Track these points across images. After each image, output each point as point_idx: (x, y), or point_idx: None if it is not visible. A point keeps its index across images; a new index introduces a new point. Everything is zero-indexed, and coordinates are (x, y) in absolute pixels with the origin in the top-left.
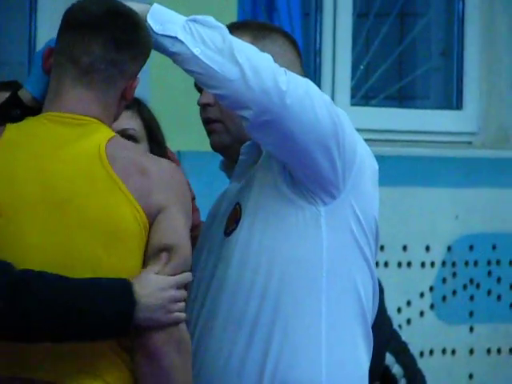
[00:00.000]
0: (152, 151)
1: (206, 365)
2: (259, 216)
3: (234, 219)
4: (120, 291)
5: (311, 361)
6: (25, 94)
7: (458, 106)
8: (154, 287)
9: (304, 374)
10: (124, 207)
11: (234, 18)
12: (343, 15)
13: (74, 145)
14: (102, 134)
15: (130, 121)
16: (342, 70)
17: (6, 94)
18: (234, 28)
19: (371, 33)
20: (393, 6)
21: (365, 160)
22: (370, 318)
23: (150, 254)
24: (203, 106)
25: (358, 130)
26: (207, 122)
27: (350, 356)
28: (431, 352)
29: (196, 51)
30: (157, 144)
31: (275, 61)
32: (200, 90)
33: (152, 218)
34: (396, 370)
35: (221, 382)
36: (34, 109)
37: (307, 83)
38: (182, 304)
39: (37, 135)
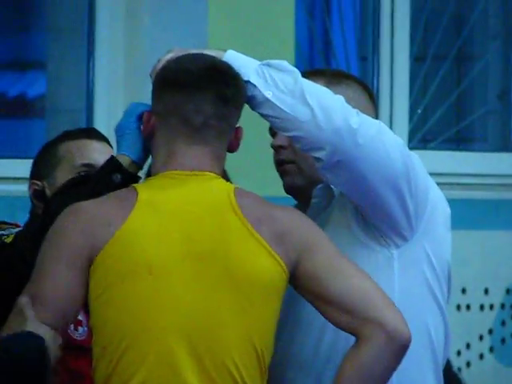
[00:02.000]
0: None
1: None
2: None
3: None
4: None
5: None
6: (123, 159)
7: None
8: None
9: None
10: (261, 256)
11: (291, 63)
12: (400, 59)
13: (205, 198)
14: (226, 186)
15: None
16: (400, 114)
17: (85, 141)
18: (309, 74)
19: (428, 76)
20: (450, 49)
21: (437, 204)
22: (441, 361)
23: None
24: (276, 149)
25: None
26: (280, 163)
27: None
28: None
29: (268, 94)
30: None
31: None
32: (273, 133)
33: (291, 261)
34: None
35: None
36: (133, 173)
37: (379, 124)
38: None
39: (169, 193)
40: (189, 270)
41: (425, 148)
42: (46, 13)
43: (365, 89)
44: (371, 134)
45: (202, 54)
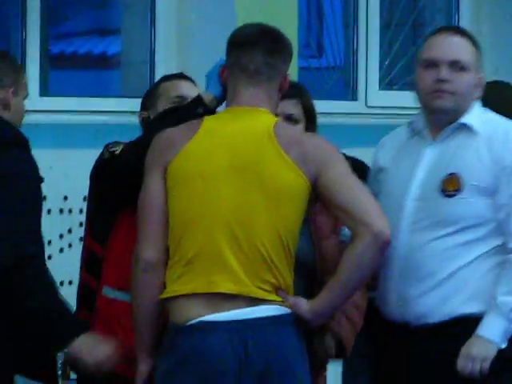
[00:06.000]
0: (307, 129)
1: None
2: (480, 186)
3: (451, 185)
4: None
5: None
6: (208, 96)
7: None
8: None
9: None
10: (287, 171)
11: (294, 32)
12: (373, 25)
13: (251, 126)
14: (270, 119)
15: (294, 108)
16: (373, 65)
17: (177, 81)
18: None
19: (392, 39)
20: (408, 19)
21: None
22: None
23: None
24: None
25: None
26: (439, 90)
27: None
28: None
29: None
30: (312, 124)
31: None
32: (436, 64)
33: (312, 176)
34: None
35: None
36: (212, 107)
37: None
38: None
39: (226, 122)
40: (231, 176)
41: (391, 89)
42: None
43: None
44: None
45: (263, 24)
